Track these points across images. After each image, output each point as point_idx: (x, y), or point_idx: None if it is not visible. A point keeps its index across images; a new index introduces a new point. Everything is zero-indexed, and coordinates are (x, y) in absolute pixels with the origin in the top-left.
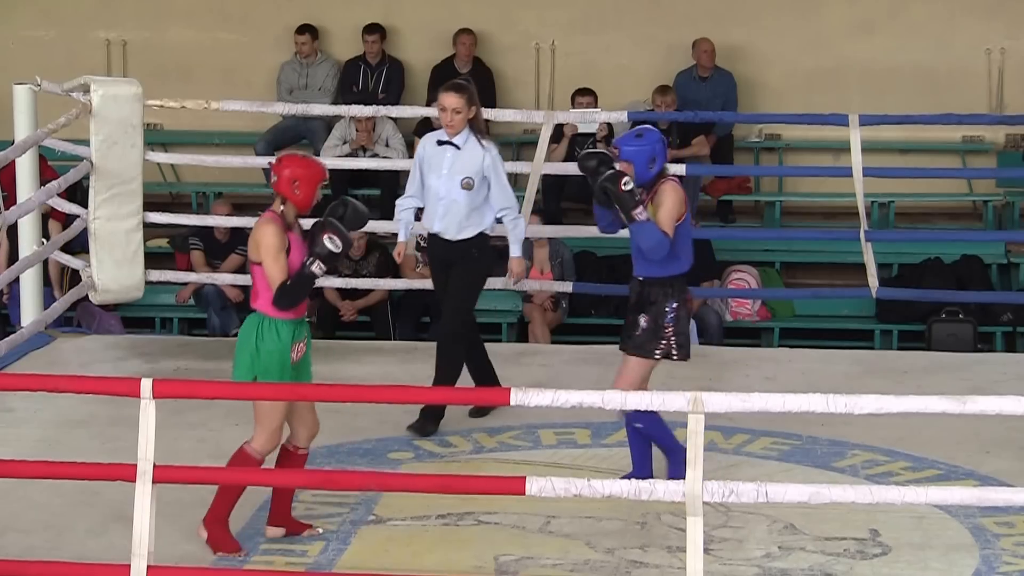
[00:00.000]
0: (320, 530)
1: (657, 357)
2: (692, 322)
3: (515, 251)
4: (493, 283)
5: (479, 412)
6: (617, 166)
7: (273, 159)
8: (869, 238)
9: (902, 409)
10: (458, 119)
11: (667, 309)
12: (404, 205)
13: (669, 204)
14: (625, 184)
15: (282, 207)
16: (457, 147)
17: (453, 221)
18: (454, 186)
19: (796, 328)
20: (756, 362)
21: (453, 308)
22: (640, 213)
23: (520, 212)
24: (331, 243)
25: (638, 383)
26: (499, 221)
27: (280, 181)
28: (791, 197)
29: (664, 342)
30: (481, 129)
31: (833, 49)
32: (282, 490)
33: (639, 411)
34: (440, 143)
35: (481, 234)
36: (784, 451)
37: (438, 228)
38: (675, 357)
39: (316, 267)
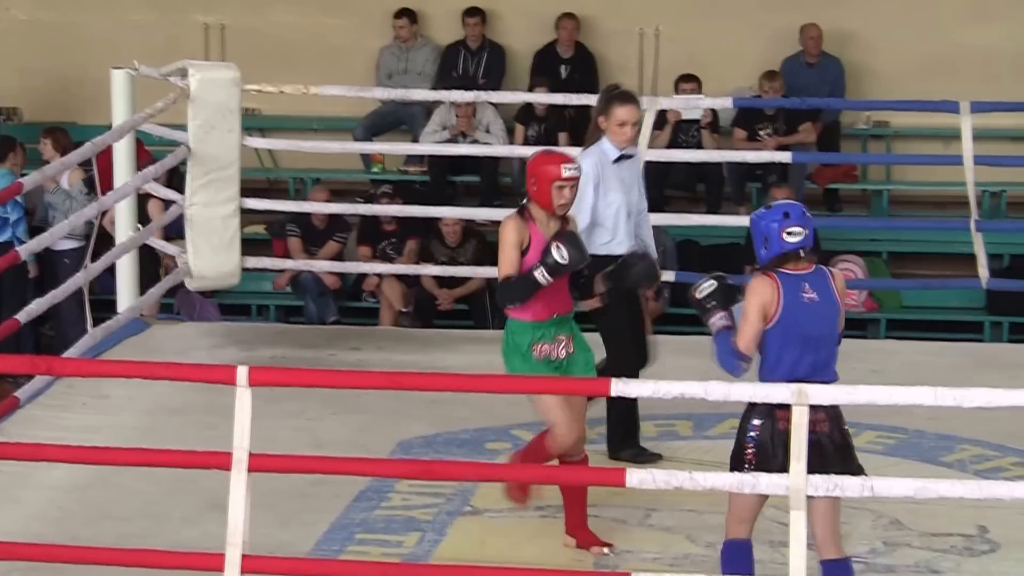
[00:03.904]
0: (608, 551)
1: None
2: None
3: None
4: None
5: None
6: None
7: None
8: (980, 228)
9: (1013, 403)
10: (635, 132)
11: (748, 427)
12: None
13: (746, 308)
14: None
15: (528, 202)
16: (631, 157)
17: (632, 234)
18: (637, 196)
19: (904, 320)
20: (862, 354)
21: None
22: (719, 319)
23: None
24: (557, 252)
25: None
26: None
27: (526, 176)
28: (899, 185)
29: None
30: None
31: (945, 35)
32: (572, 499)
33: None
34: (618, 159)
35: None
36: (890, 445)
37: (624, 247)
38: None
39: (539, 274)
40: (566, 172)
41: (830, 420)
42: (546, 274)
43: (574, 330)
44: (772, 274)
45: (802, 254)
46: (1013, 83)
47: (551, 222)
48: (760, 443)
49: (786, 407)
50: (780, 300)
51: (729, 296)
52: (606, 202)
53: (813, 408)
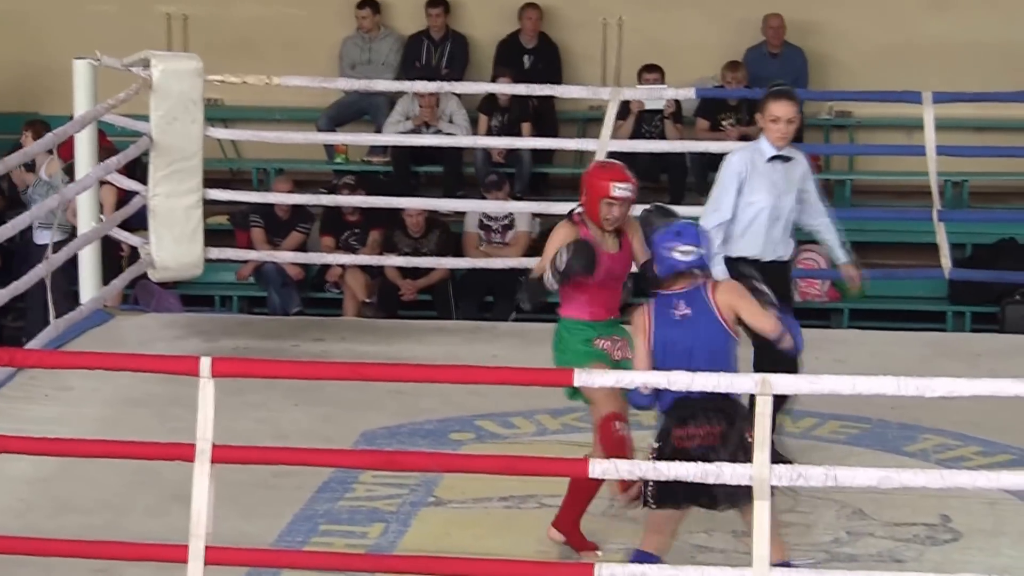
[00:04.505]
0: (600, 553)
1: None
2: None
3: (844, 256)
4: None
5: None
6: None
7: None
8: (942, 218)
9: (975, 392)
10: (790, 130)
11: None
12: (722, 234)
13: (634, 342)
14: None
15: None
16: (789, 159)
17: (787, 239)
18: (791, 202)
19: (866, 309)
20: (826, 344)
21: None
22: None
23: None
24: (558, 258)
25: None
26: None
27: (581, 183)
28: (862, 175)
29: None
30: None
31: (907, 25)
32: (578, 497)
33: None
34: (772, 158)
35: None
36: (853, 435)
37: (772, 252)
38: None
39: (547, 277)
40: (615, 191)
41: (718, 435)
42: (551, 279)
43: (626, 335)
44: (646, 303)
45: (696, 272)
46: (973, 73)
47: (606, 234)
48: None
49: (681, 426)
50: (651, 323)
51: None
52: (748, 201)
53: (700, 423)
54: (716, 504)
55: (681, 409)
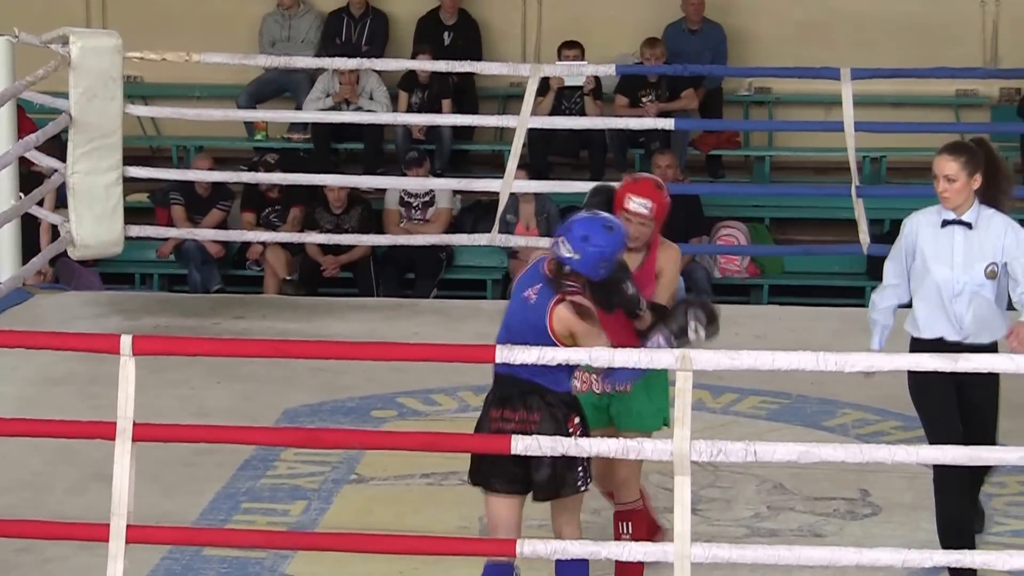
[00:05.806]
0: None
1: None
2: (679, 279)
3: None
4: (478, 239)
5: None
6: None
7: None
8: (860, 194)
9: (894, 367)
10: (952, 189)
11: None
12: (886, 302)
13: None
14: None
15: None
16: (969, 225)
17: (977, 320)
18: (975, 276)
19: (786, 285)
20: (745, 320)
21: (991, 440)
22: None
23: None
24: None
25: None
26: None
27: None
28: (781, 152)
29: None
30: (995, 199)
31: (826, 1)
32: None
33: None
34: (946, 223)
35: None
36: (773, 410)
37: (954, 332)
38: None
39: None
40: (629, 204)
41: (535, 423)
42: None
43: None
44: (530, 265)
45: (565, 270)
46: (889, 49)
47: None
48: None
49: (498, 407)
50: (515, 283)
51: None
52: (922, 271)
53: (517, 407)
54: (532, 491)
55: (500, 388)
